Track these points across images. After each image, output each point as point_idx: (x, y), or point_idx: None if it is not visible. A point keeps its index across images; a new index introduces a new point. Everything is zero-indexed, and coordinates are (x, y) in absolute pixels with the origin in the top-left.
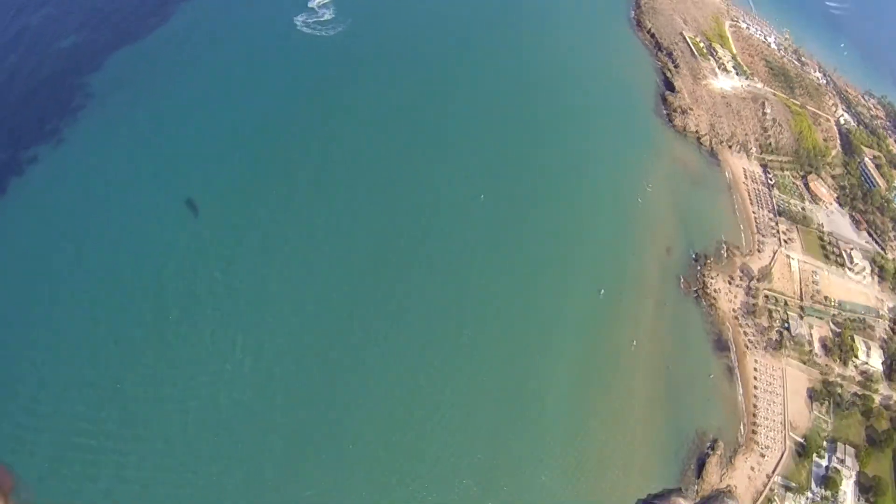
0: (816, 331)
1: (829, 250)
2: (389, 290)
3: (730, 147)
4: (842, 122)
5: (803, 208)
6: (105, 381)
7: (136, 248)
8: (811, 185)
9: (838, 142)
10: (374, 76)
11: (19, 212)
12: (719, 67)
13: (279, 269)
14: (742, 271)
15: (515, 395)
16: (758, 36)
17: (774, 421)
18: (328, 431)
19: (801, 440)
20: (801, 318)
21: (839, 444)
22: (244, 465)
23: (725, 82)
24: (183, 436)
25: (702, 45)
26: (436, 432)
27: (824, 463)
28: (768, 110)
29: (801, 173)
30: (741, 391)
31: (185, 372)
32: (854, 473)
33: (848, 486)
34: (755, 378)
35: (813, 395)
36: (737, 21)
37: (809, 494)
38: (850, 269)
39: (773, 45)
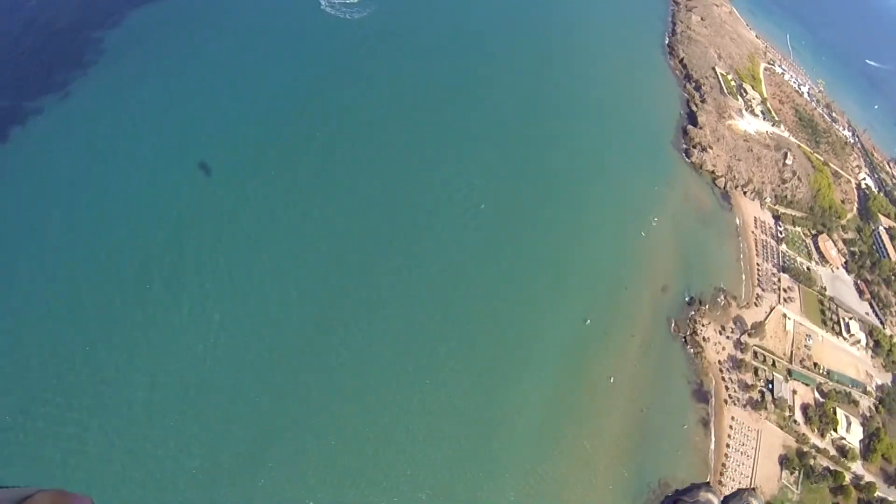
0: (800, 396)
1: (827, 315)
2: (376, 293)
3: (744, 192)
4: (863, 185)
5: (808, 268)
6: (78, 343)
7: (128, 212)
8: (821, 244)
9: (856, 205)
10: (391, 67)
11: (18, 161)
12: (747, 108)
13: (268, 256)
14: (735, 322)
15: (485, 416)
16: (791, 82)
17: (741, 482)
18: (291, 426)
19: None
20: (787, 380)
21: None
22: (203, 446)
23: (750, 125)
24: (147, 408)
25: (733, 82)
26: (399, 441)
27: None
28: (790, 161)
29: (813, 231)
30: (713, 446)
31: (158, 345)
32: None
33: None
34: (729, 435)
35: (784, 462)
36: (772, 64)
37: None
38: (845, 338)
39: (805, 94)
